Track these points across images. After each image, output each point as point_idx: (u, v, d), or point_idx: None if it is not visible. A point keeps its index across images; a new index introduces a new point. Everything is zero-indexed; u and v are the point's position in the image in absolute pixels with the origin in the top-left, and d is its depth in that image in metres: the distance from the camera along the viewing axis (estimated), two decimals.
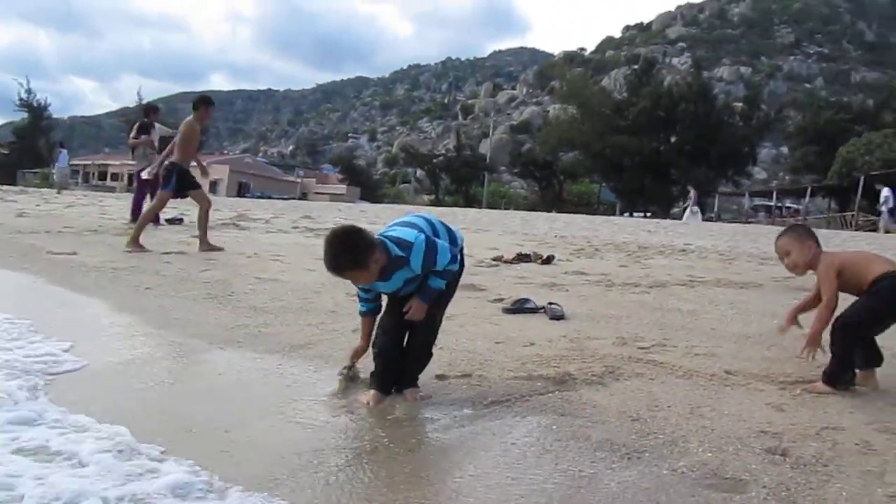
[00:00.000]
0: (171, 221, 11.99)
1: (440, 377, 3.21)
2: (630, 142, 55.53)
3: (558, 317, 4.68)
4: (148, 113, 12.56)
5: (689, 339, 4.17)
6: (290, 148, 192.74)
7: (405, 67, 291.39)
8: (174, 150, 8.53)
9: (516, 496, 2.04)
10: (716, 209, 54.44)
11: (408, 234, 2.75)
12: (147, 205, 10.99)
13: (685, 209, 29.32)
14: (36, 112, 66.49)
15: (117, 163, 68.35)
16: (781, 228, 3.81)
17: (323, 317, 4.48)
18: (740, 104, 62.23)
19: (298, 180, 79.57)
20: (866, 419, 2.77)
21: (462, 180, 69.73)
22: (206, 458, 2.24)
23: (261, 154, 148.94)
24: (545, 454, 2.35)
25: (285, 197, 53.03)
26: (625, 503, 2.02)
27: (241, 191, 60.49)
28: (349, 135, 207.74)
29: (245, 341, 3.84)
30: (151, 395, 2.94)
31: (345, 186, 76.23)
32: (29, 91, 66.64)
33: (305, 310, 4.72)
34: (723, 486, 2.13)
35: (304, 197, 62.50)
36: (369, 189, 77.46)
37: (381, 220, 17.84)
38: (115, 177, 66.48)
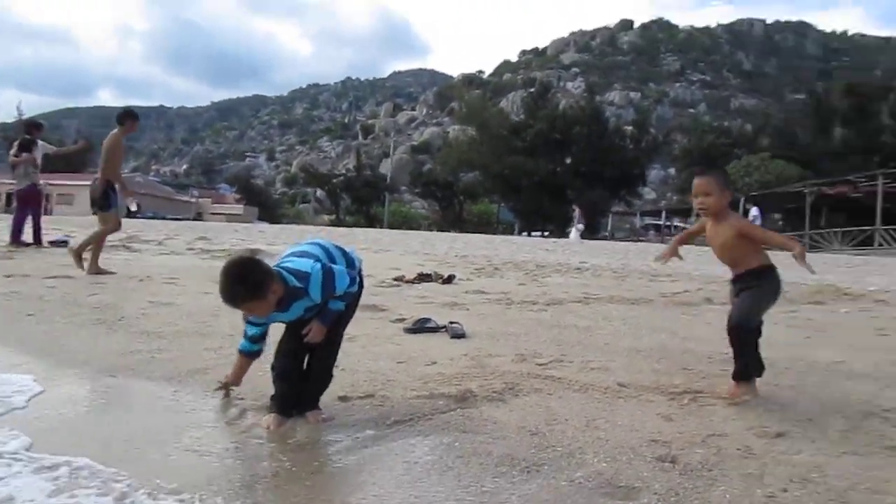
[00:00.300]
0: (54, 244, 11.38)
1: (342, 398, 3.19)
2: (527, 163, 57.05)
3: (459, 335, 4.74)
4: (30, 129, 11.90)
5: (585, 354, 4.31)
6: (185, 167, 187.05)
7: (304, 86, 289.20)
8: (101, 167, 8.21)
9: None
10: (609, 228, 56.59)
11: (304, 264, 2.73)
12: (13, 222, 10.49)
13: (571, 228, 30.59)
14: None
15: None
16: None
17: (220, 341, 4.37)
18: (630, 128, 65.09)
19: (193, 200, 77.21)
20: (746, 425, 2.95)
21: (363, 200, 69.60)
22: None
23: (153, 173, 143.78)
24: (447, 471, 2.38)
25: (179, 217, 51.26)
26: None
27: (131, 211, 58.07)
28: (247, 154, 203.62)
29: (138, 367, 3.69)
30: (34, 428, 2.77)
31: (242, 206, 74.62)
32: None
33: (202, 334, 4.59)
34: (617, 494, 2.21)
35: (199, 217, 60.62)
36: (268, 209, 76.12)
37: (281, 241, 17.55)
38: None
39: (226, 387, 3.08)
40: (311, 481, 2.30)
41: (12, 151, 11.53)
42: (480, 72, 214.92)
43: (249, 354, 2.96)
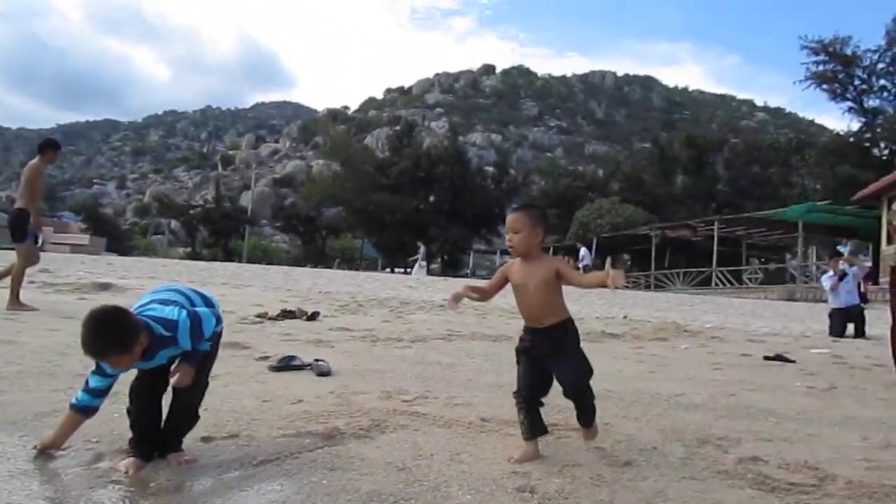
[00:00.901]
0: None
1: (205, 439, 3.12)
2: (392, 199, 57.59)
3: (325, 373, 4.74)
4: None
5: (449, 390, 4.44)
6: None
7: (160, 113, 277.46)
8: (21, 195, 8.08)
9: None
10: (471, 265, 57.93)
11: (170, 311, 2.67)
12: None
13: (414, 263, 31.96)
14: None
15: None
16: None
17: (71, 380, 4.12)
18: (492, 168, 67.28)
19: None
20: (599, 455, 3.16)
21: (221, 233, 67.48)
22: None
23: None
24: None
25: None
26: None
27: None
28: (94, 181, 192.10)
29: None
30: None
31: (88, 236, 70.11)
32: None
33: (49, 374, 4.32)
34: None
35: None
36: (117, 240, 72.00)
37: (133, 275, 16.71)
38: None
39: (44, 450, 2.74)
40: None
41: None
42: (346, 107, 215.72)
43: (85, 411, 2.72)
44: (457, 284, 17.86)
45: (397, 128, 72.34)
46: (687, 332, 9.58)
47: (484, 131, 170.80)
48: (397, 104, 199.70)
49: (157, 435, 2.81)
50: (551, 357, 3.11)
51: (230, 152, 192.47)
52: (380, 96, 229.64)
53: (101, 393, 2.70)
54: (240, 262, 47.42)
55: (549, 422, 3.67)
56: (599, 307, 14.73)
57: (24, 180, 8.13)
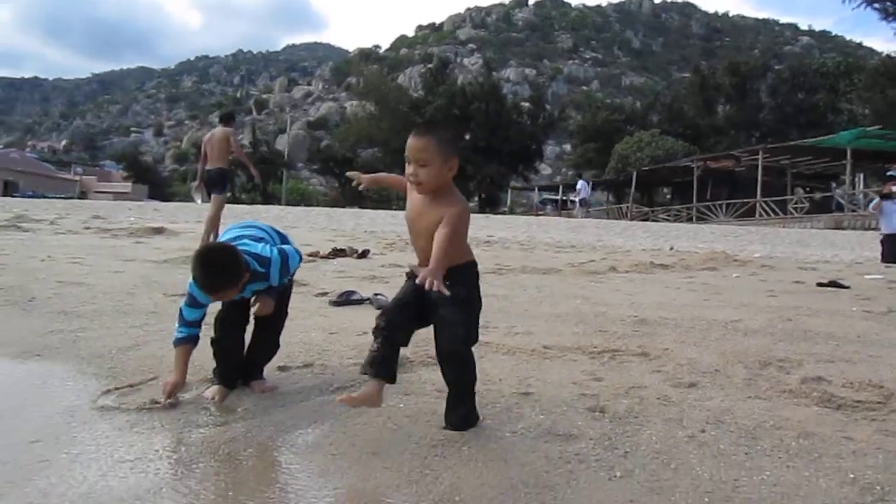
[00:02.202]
0: None
1: (282, 368, 3.26)
2: None
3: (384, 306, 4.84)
4: None
5: (508, 320, 4.52)
6: (64, 142, 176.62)
7: (193, 59, 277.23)
8: (218, 158, 9.60)
9: (379, 469, 2.19)
10: (508, 202, 57.67)
11: (263, 249, 2.82)
12: None
13: None
14: None
15: None
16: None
17: (144, 318, 4.32)
18: (527, 104, 66.17)
19: (77, 178, 73.20)
20: (662, 378, 3.23)
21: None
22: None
23: (28, 149, 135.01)
24: (398, 430, 2.51)
25: (63, 196, 48.53)
26: (477, 463, 2.23)
27: (9, 190, 54.56)
28: (132, 129, 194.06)
29: (63, 347, 3.62)
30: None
31: (130, 184, 71.34)
32: None
33: (123, 312, 4.51)
34: (557, 440, 2.41)
35: (83, 196, 57.50)
36: (157, 187, 73.06)
37: (180, 219, 17.02)
38: None
39: (172, 393, 2.77)
40: (265, 454, 2.39)
41: None
42: (377, 46, 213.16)
43: (191, 340, 2.82)
44: (498, 222, 17.81)
45: (430, 66, 71.20)
46: (736, 261, 9.52)
47: (518, 66, 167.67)
48: (429, 41, 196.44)
49: (241, 363, 2.95)
50: (431, 304, 2.43)
51: (263, 96, 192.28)
52: (411, 34, 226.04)
53: (198, 323, 2.83)
54: (279, 204, 47.86)
55: (610, 348, 3.75)
56: (644, 240, 14.67)
57: (216, 145, 9.58)
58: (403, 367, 3.29)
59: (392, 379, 2.47)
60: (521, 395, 2.92)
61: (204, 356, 2.97)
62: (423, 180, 2.45)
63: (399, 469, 2.18)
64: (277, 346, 3.08)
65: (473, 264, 2.58)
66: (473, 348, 2.58)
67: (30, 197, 41.05)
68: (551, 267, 7.77)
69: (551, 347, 3.77)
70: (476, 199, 58.75)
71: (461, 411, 2.52)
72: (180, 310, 2.81)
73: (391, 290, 5.67)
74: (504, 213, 47.98)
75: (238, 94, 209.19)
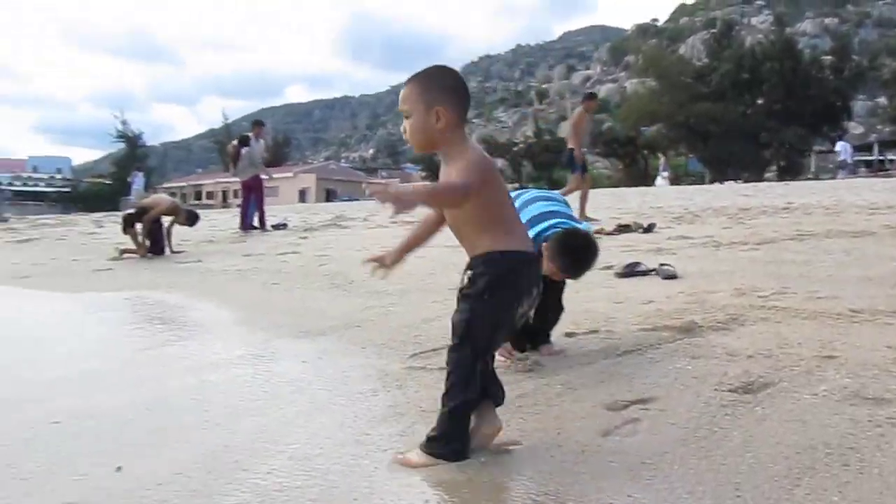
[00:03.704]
0: (276, 227, 12.57)
1: (568, 334, 3.39)
2: (714, 108, 53.95)
3: (671, 276, 4.76)
4: (254, 127, 13.07)
5: (808, 285, 4.18)
6: (371, 151, 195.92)
7: (476, 59, 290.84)
8: (570, 137, 10.61)
9: (665, 425, 2.20)
10: (813, 168, 52.29)
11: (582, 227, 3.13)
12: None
13: (658, 177, 33.31)
14: (132, 142, 69.28)
15: (210, 181, 71.16)
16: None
17: (444, 294, 4.71)
18: (829, 58, 59.25)
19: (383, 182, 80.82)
20: None
21: (544, 166, 69.24)
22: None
23: (343, 160, 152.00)
24: (686, 390, 2.49)
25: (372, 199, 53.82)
26: (772, 422, 2.15)
27: (330, 196, 62.04)
28: None
29: (378, 320, 4.14)
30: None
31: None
32: (124, 122, 69.54)
33: (427, 290, 4.99)
34: (866, 404, 2.22)
35: None
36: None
37: None
38: (209, 195, 69.16)
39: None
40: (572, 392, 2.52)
41: (232, 143, 12.97)
42: (654, 20, 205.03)
43: None
44: (800, 188, 16.29)
45: (713, 31, 67.00)
46: None
47: (815, 17, 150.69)
48: (711, 5, 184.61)
49: (529, 329, 3.12)
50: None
51: (543, 86, 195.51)
52: (690, 1, 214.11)
53: None
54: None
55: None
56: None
57: (570, 127, 10.60)
58: (692, 332, 3.24)
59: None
60: (823, 358, 2.71)
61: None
62: (409, 134, 2.12)
63: (686, 426, 2.18)
64: (561, 308, 3.20)
65: (501, 255, 2.05)
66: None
67: (346, 201, 46.46)
68: (863, 230, 6.95)
69: (861, 311, 3.42)
70: (774, 168, 54.13)
71: (432, 435, 2.04)
72: None
73: (679, 260, 5.54)
74: (808, 179, 43.54)
75: (519, 88, 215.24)
